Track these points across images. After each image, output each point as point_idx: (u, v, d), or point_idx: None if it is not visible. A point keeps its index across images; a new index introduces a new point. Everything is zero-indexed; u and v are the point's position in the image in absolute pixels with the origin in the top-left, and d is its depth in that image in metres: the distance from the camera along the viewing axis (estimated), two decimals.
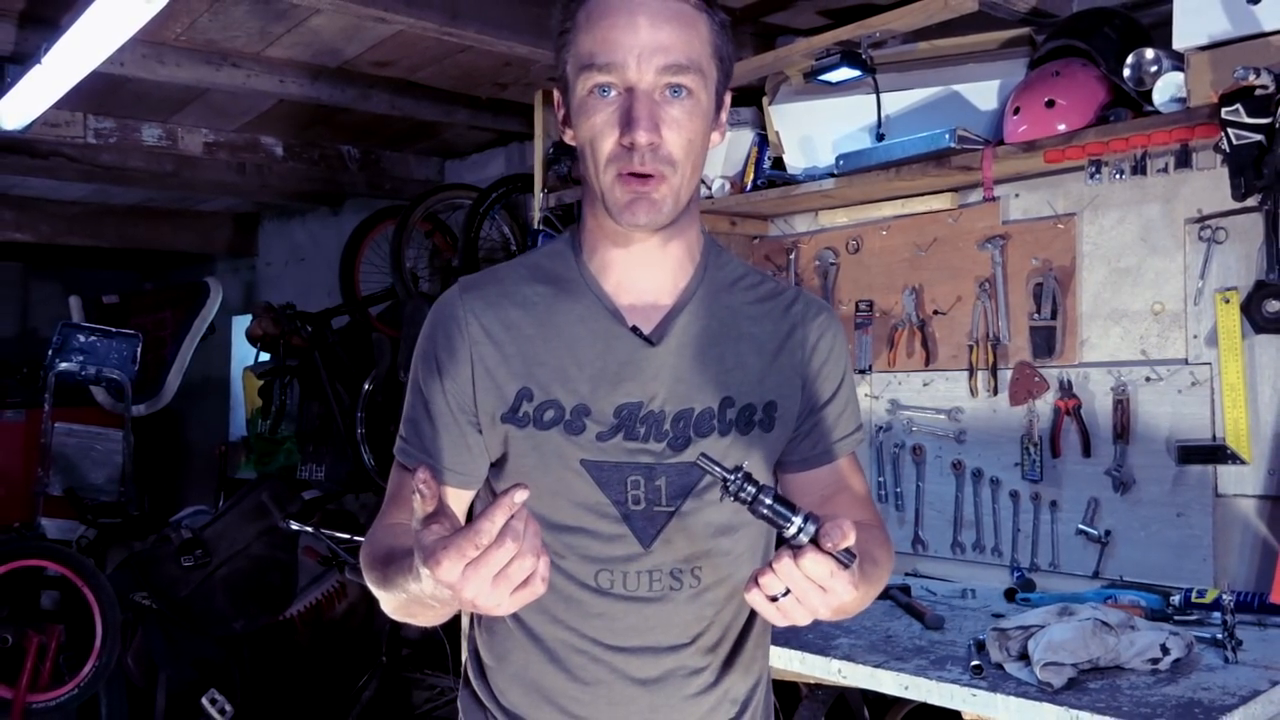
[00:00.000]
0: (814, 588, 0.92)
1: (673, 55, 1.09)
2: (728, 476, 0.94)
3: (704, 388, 1.19)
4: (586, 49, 1.11)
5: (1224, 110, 1.93)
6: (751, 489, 0.93)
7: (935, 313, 2.78)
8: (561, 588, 1.17)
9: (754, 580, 0.94)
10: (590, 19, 1.12)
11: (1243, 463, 2.23)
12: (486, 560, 0.84)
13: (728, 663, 1.23)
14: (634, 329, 1.18)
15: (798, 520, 0.92)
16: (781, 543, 0.95)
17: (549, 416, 1.16)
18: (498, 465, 1.21)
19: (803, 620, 0.95)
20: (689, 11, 1.12)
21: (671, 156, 1.11)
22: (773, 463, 1.25)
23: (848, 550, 0.92)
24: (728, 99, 1.21)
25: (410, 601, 1.01)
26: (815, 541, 0.92)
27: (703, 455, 0.96)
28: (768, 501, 0.93)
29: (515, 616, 1.20)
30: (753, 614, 1.25)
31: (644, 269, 1.20)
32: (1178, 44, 2.07)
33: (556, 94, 1.21)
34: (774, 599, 0.93)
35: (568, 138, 1.19)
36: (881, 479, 2.87)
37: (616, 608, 1.17)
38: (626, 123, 1.09)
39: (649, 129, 1.09)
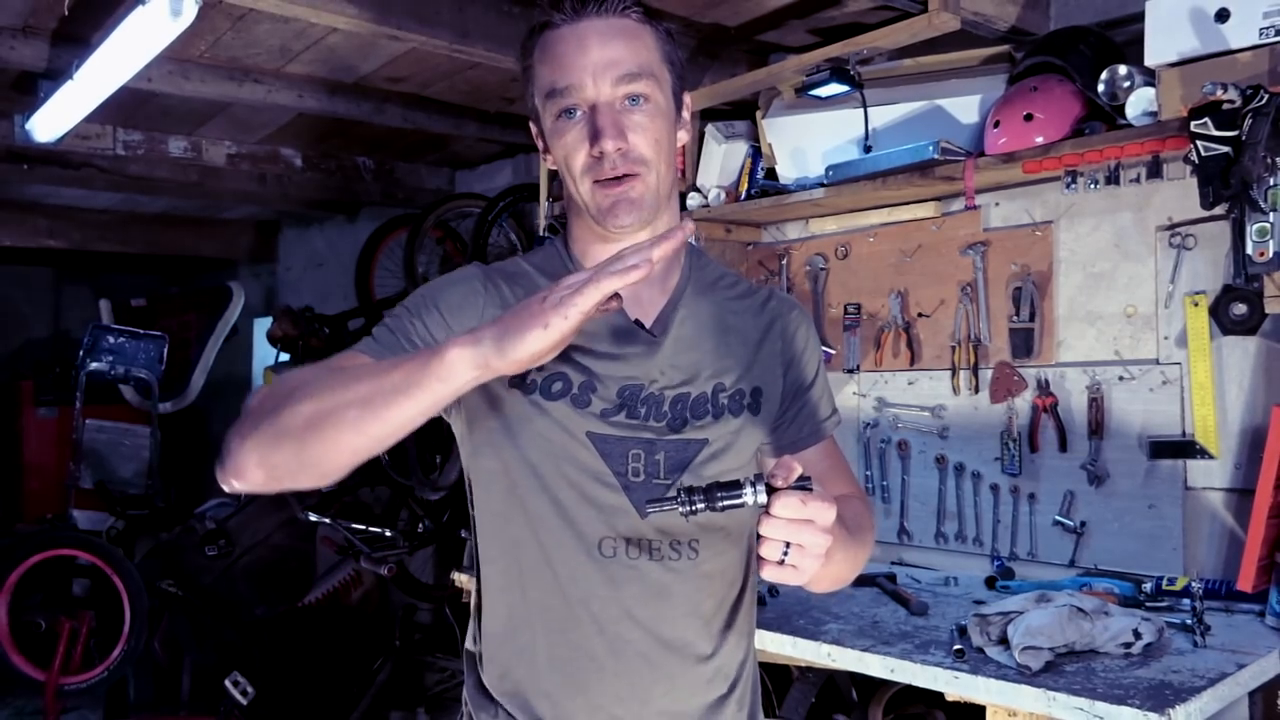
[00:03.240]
0: (799, 525, 0.93)
1: (624, 66, 1.13)
2: (677, 504, 0.96)
3: (699, 375, 1.21)
4: (547, 79, 1.15)
5: (1193, 123, 1.93)
6: (700, 498, 0.95)
7: (920, 315, 2.78)
8: (566, 557, 1.16)
9: (758, 558, 0.96)
10: (546, 51, 1.15)
11: (1211, 457, 2.23)
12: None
13: (723, 635, 1.24)
14: (637, 322, 1.20)
15: (748, 489, 0.95)
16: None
17: (557, 388, 1.17)
18: (508, 432, 1.18)
19: (814, 566, 0.95)
20: (632, 26, 1.15)
21: (642, 156, 1.14)
22: (759, 443, 1.27)
23: (802, 477, 0.94)
24: (687, 99, 1.24)
25: (367, 398, 0.95)
26: (771, 490, 0.94)
27: (648, 503, 0.99)
28: (719, 495, 0.95)
29: (520, 588, 1.19)
30: (742, 589, 1.27)
31: None
32: (1149, 61, 2.07)
33: (533, 125, 1.23)
34: (781, 562, 0.94)
35: (548, 163, 1.21)
36: (869, 473, 2.87)
37: (619, 575, 1.17)
38: (594, 135, 1.12)
39: (614, 136, 1.12)
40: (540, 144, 1.22)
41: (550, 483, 1.16)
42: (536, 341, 0.89)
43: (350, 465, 1.00)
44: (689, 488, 0.96)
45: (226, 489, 1.05)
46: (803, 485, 0.94)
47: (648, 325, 1.21)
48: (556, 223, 3.31)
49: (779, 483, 0.94)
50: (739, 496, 0.95)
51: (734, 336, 1.25)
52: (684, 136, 1.22)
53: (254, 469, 1.01)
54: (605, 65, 1.12)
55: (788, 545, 0.93)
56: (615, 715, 1.18)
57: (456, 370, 0.92)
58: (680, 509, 0.96)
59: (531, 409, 1.16)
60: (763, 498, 0.94)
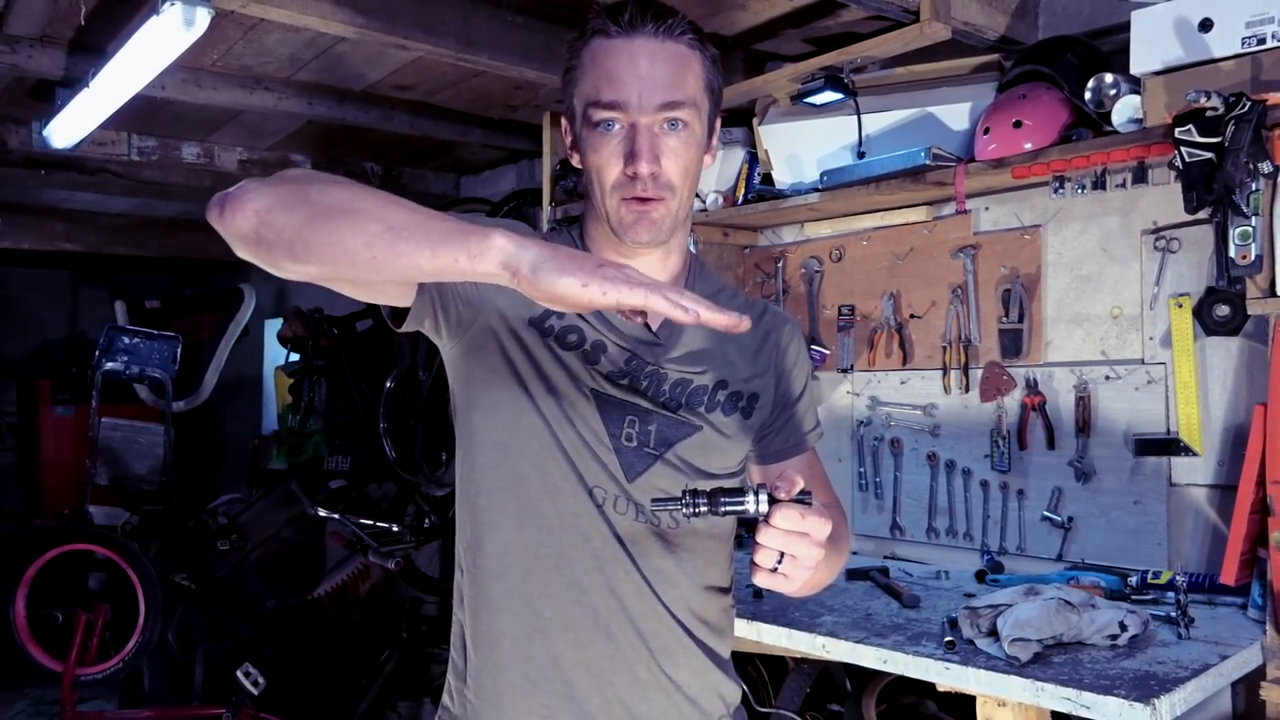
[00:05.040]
0: (796, 537, 0.95)
1: (670, 93, 1.12)
2: (683, 504, 0.97)
3: (703, 374, 1.22)
4: (592, 87, 1.13)
5: (1177, 130, 1.93)
6: (704, 501, 0.97)
7: (912, 316, 2.78)
8: (569, 491, 1.16)
9: (752, 563, 0.97)
10: (595, 59, 1.14)
11: (1194, 454, 2.23)
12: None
13: (704, 621, 1.24)
14: (645, 324, 1.20)
15: (750, 498, 0.96)
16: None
17: (572, 339, 1.17)
18: (518, 367, 1.16)
19: (804, 576, 0.97)
20: (684, 51, 1.14)
21: (671, 182, 1.14)
22: (746, 448, 1.28)
23: (803, 491, 0.96)
24: (718, 124, 1.24)
25: (397, 226, 0.90)
26: (773, 500, 0.96)
27: (653, 500, 1.02)
28: (722, 499, 0.97)
29: (515, 523, 1.17)
30: (724, 582, 1.28)
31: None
32: (1135, 69, 2.07)
33: (564, 121, 1.22)
34: (774, 570, 0.96)
35: (574, 161, 1.21)
36: (862, 469, 2.87)
37: (614, 519, 1.17)
38: (630, 155, 1.12)
39: (650, 160, 1.11)
40: (568, 139, 1.21)
41: (553, 424, 1.16)
42: (567, 288, 0.85)
43: (332, 271, 0.95)
44: (695, 490, 0.97)
45: (209, 215, 0.98)
46: (802, 499, 0.96)
47: (654, 329, 1.21)
48: (560, 226, 3.31)
49: (781, 494, 0.95)
50: (742, 503, 0.96)
51: (732, 346, 1.26)
52: (709, 160, 1.22)
53: (250, 214, 0.95)
54: (652, 89, 1.11)
55: (781, 555, 0.96)
56: (605, 654, 1.17)
57: (489, 257, 0.88)
58: (684, 510, 0.97)
59: (546, 352, 1.16)
60: (764, 507, 0.96)
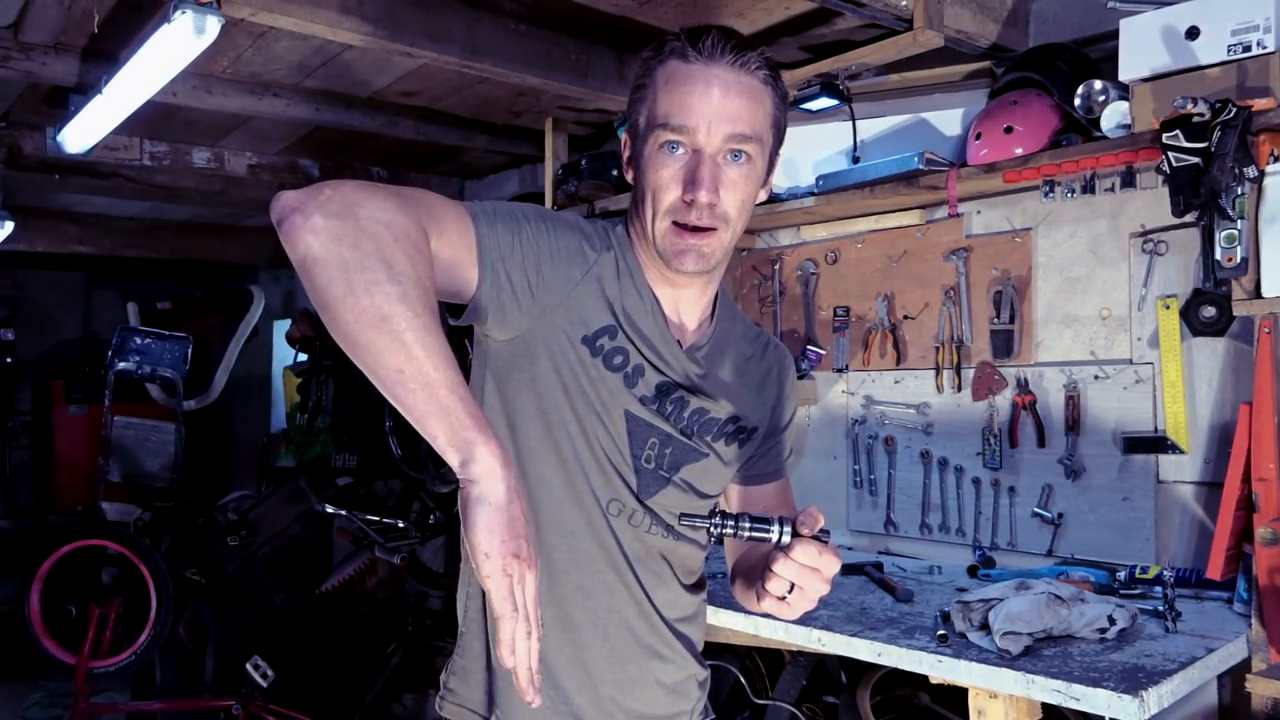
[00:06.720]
0: (809, 572, 0.98)
1: (739, 126, 1.10)
2: (711, 522, 1.01)
3: (720, 407, 1.24)
4: (662, 109, 1.11)
5: (1165, 136, 1.93)
6: (731, 523, 1.00)
7: (905, 317, 2.78)
8: (587, 503, 1.17)
9: (762, 587, 1.01)
10: (669, 82, 1.12)
11: (1181, 452, 2.23)
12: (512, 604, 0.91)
13: (685, 616, 1.28)
14: (677, 341, 1.21)
15: (776, 528, 1.00)
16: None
17: (617, 361, 1.16)
18: (563, 379, 1.14)
19: (807, 607, 1.02)
20: (757, 86, 1.13)
21: (726, 214, 1.13)
22: (733, 473, 1.32)
23: (824, 530, 0.99)
24: (777, 159, 1.22)
25: (405, 367, 0.89)
26: (795, 533, 0.99)
27: (683, 515, 1.06)
28: (750, 525, 1.00)
29: (534, 526, 1.15)
30: (701, 581, 1.33)
31: (686, 305, 1.23)
32: (1123, 76, 2.07)
33: (625, 135, 1.21)
34: (782, 598, 1.00)
35: (628, 176, 1.20)
36: (857, 467, 2.87)
37: (624, 534, 1.19)
38: (691, 181, 1.10)
39: (710, 190, 1.10)
40: (626, 153, 1.20)
41: (587, 438, 1.15)
42: (478, 540, 0.89)
43: (343, 334, 0.91)
44: (723, 512, 1.02)
45: (271, 212, 0.93)
46: (820, 536, 0.98)
47: (685, 346, 1.22)
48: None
49: (804, 530, 0.98)
50: (768, 531, 1.00)
51: (745, 379, 1.29)
52: (764, 195, 1.21)
53: (299, 251, 0.91)
54: (722, 119, 1.09)
55: (792, 585, 0.99)
56: (600, 654, 1.20)
57: (457, 457, 0.90)
58: (712, 528, 1.00)
59: (593, 370, 1.15)
60: (787, 538, 0.99)
